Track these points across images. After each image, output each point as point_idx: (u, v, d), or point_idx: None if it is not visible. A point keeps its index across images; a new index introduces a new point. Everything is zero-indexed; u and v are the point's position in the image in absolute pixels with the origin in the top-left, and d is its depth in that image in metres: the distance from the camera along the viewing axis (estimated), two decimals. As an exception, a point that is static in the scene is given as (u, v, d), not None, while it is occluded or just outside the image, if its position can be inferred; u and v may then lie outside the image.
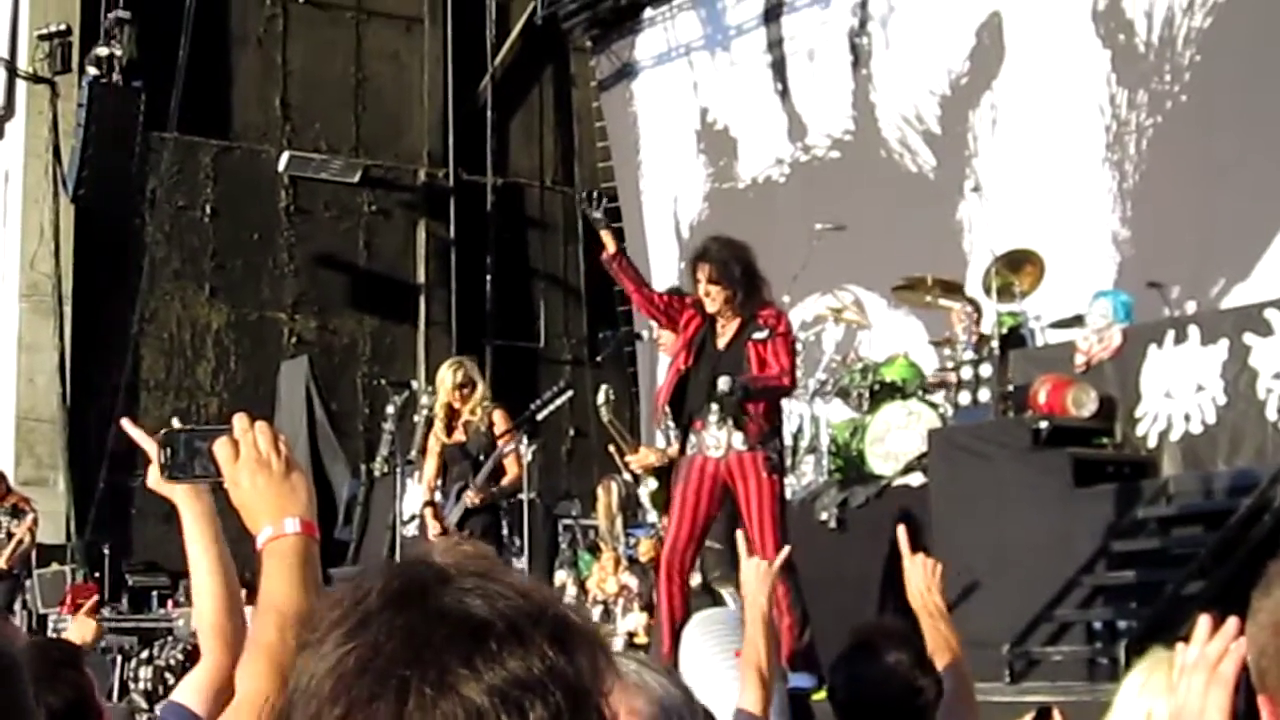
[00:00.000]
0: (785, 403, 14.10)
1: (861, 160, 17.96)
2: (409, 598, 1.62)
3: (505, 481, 11.47)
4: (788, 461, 13.05)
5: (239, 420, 2.79)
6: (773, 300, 10.04)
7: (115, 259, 18.80)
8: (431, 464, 11.93)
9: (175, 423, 3.00)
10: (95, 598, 8.04)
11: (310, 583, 2.73)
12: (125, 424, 3.17)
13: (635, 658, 2.43)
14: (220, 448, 2.78)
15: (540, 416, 11.37)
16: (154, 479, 3.00)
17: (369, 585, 1.66)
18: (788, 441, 13.27)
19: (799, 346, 15.34)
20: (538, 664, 1.57)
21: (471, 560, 1.73)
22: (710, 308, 9.73)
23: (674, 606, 9.62)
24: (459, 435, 11.75)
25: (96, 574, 17.10)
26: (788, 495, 11.99)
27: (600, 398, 10.98)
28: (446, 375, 11.99)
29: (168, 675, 14.26)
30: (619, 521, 14.31)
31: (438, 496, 11.70)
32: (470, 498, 11.30)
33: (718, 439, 9.56)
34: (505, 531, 11.69)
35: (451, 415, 11.80)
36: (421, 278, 20.99)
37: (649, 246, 20.87)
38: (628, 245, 20.68)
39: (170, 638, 15.14)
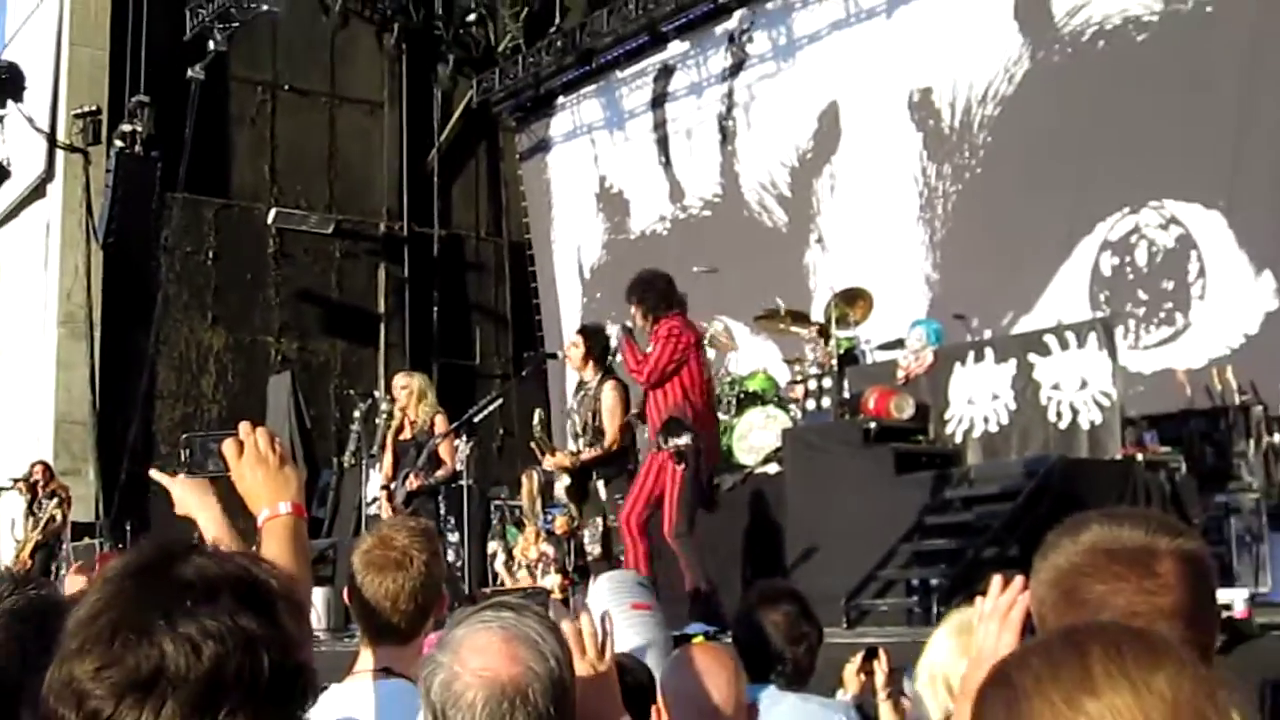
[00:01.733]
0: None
1: (729, 217, 18.02)
2: (142, 566, 1.72)
3: (440, 473, 11.39)
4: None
5: (243, 426, 2.82)
6: (674, 317, 9.96)
7: (136, 294, 18.60)
8: (387, 458, 11.86)
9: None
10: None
11: (300, 552, 2.77)
12: (152, 473, 3.11)
13: (522, 608, 2.44)
14: (228, 447, 2.79)
15: (477, 419, 11.34)
16: (179, 508, 2.98)
17: (129, 555, 1.77)
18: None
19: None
20: (223, 619, 1.65)
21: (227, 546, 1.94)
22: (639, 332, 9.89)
23: (637, 556, 9.63)
24: (407, 434, 11.70)
25: (120, 546, 16.88)
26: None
27: (535, 419, 11.00)
28: (395, 387, 11.96)
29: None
30: (539, 503, 14.26)
31: (393, 485, 11.65)
32: (410, 482, 11.25)
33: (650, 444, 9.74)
34: (442, 511, 11.61)
35: (403, 418, 11.75)
36: (382, 309, 20.87)
37: (558, 285, 20.88)
38: (540, 286, 20.83)
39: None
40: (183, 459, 2.92)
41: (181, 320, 19.20)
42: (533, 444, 10.80)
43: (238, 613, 1.66)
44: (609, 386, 10.25)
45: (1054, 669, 1.41)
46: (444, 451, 11.42)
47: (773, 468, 12.44)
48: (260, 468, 2.78)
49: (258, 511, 2.77)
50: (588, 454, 10.23)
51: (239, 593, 1.68)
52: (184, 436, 2.97)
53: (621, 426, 10.21)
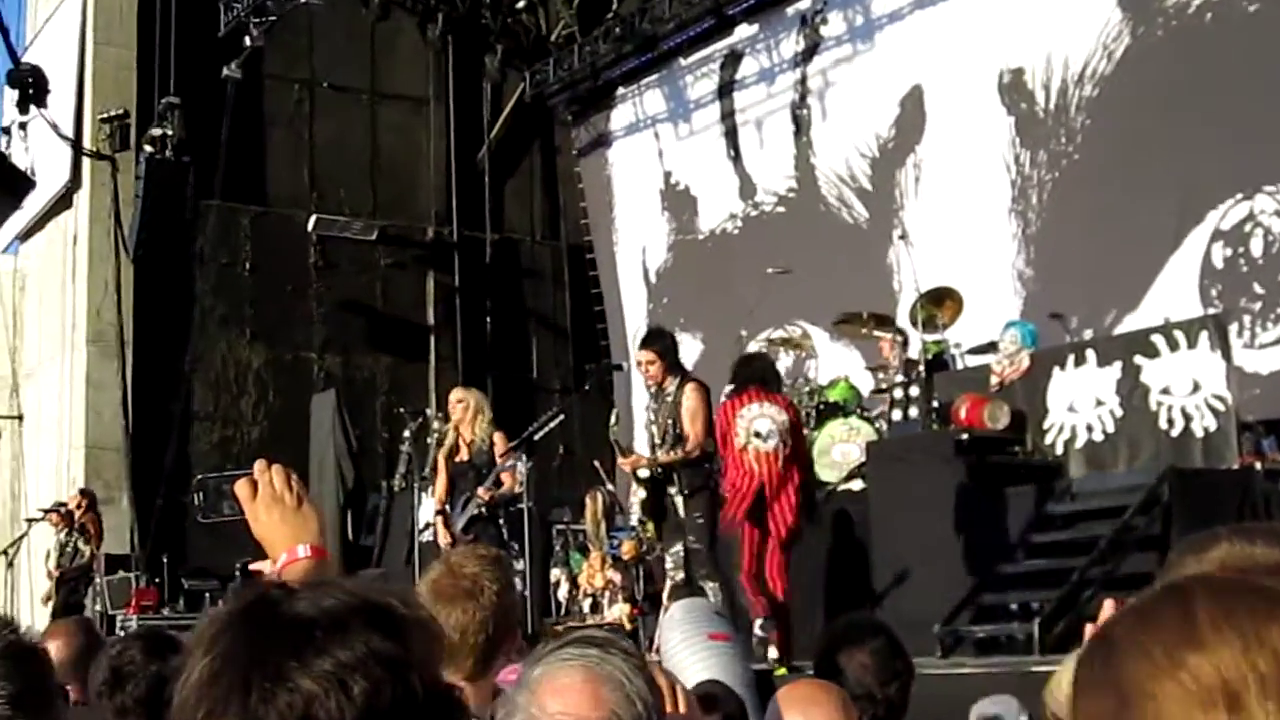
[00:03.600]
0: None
1: (804, 213, 17.98)
2: (251, 613, 1.66)
3: (504, 489, 11.48)
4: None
5: (259, 464, 2.76)
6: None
7: (170, 309, 18.76)
8: (441, 480, 11.91)
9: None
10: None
11: None
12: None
13: (608, 645, 2.40)
14: (240, 488, 2.74)
15: (536, 437, 11.37)
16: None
17: (224, 607, 1.71)
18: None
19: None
20: (358, 648, 1.60)
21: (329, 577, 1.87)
22: None
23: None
24: (464, 455, 11.74)
25: (157, 579, 17.04)
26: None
27: (613, 419, 11.15)
28: (450, 404, 12.02)
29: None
30: (604, 526, 14.31)
31: (448, 509, 11.71)
32: (481, 494, 11.31)
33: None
34: (505, 536, 11.64)
35: (458, 438, 11.80)
36: (431, 320, 20.95)
37: (622, 291, 20.88)
38: (603, 291, 20.85)
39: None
40: (196, 503, 2.90)
41: (218, 336, 19.36)
42: (595, 462, 10.90)
43: (373, 639, 1.61)
44: (690, 389, 10.36)
45: (1154, 621, 1.39)
46: (506, 473, 11.50)
47: (856, 484, 12.41)
48: (276, 508, 2.72)
49: (275, 556, 2.71)
50: (666, 456, 10.29)
51: (367, 618, 1.64)
52: (197, 479, 2.98)
53: (704, 430, 10.29)
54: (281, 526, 2.71)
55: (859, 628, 4.73)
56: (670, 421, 10.40)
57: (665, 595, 10.46)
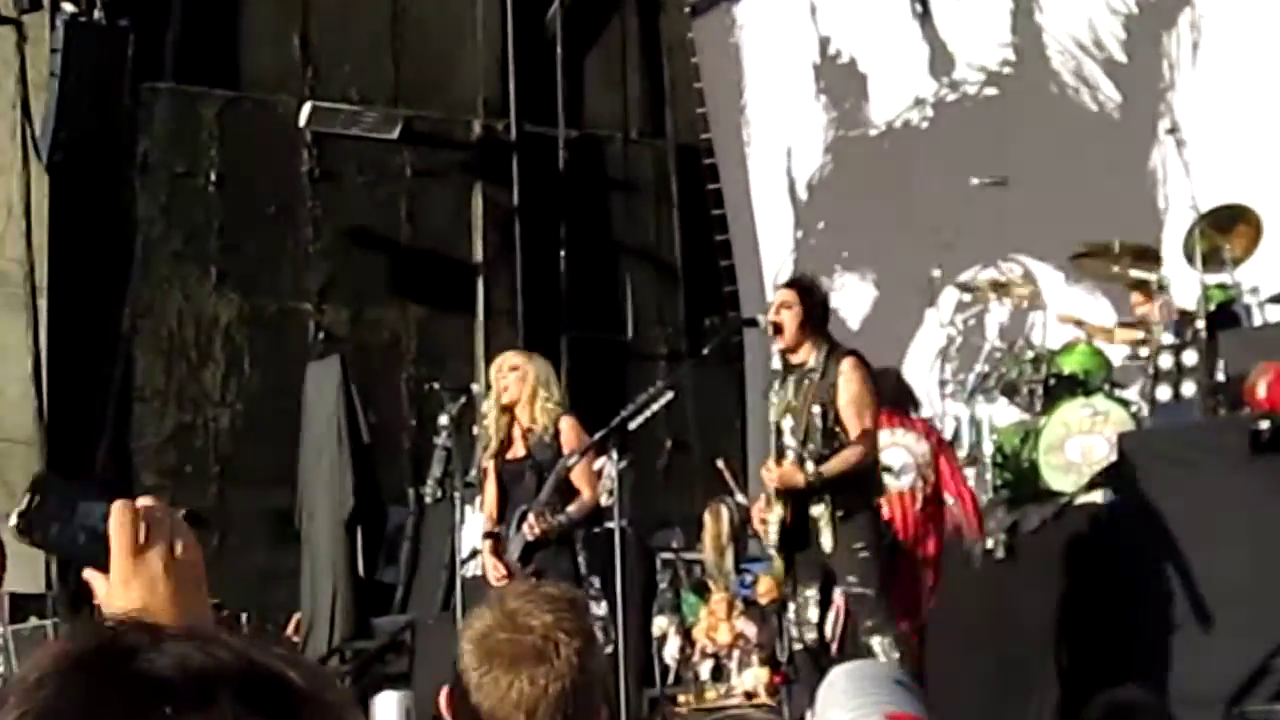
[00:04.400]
0: (939, 403, 14.47)
1: (1026, 98, 17.93)
2: (90, 659, 1.66)
3: (574, 508, 11.38)
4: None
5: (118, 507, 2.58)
6: None
7: (101, 239, 18.91)
8: (490, 489, 11.92)
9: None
10: None
11: None
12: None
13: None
14: (117, 521, 2.58)
15: (632, 426, 11.32)
16: None
17: (58, 646, 1.70)
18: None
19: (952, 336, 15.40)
20: None
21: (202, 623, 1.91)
22: None
23: None
24: (518, 450, 11.72)
25: (84, 630, 17.19)
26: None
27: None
28: (495, 374, 12.00)
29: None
30: (730, 555, 14.29)
31: (501, 530, 11.69)
32: (530, 526, 11.25)
33: None
34: (583, 570, 11.63)
35: (510, 424, 11.77)
36: (479, 255, 21.04)
37: (755, 212, 20.83)
38: (728, 212, 20.83)
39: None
40: (20, 511, 2.68)
41: (171, 279, 19.52)
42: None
43: (243, 718, 1.63)
44: (850, 364, 10.34)
45: None
46: (580, 476, 11.46)
47: (1102, 495, 12.36)
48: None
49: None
50: (834, 464, 10.25)
51: (244, 691, 1.64)
52: (35, 475, 2.82)
53: (875, 424, 10.32)
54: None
55: (1126, 710, 4.74)
56: (819, 409, 10.35)
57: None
